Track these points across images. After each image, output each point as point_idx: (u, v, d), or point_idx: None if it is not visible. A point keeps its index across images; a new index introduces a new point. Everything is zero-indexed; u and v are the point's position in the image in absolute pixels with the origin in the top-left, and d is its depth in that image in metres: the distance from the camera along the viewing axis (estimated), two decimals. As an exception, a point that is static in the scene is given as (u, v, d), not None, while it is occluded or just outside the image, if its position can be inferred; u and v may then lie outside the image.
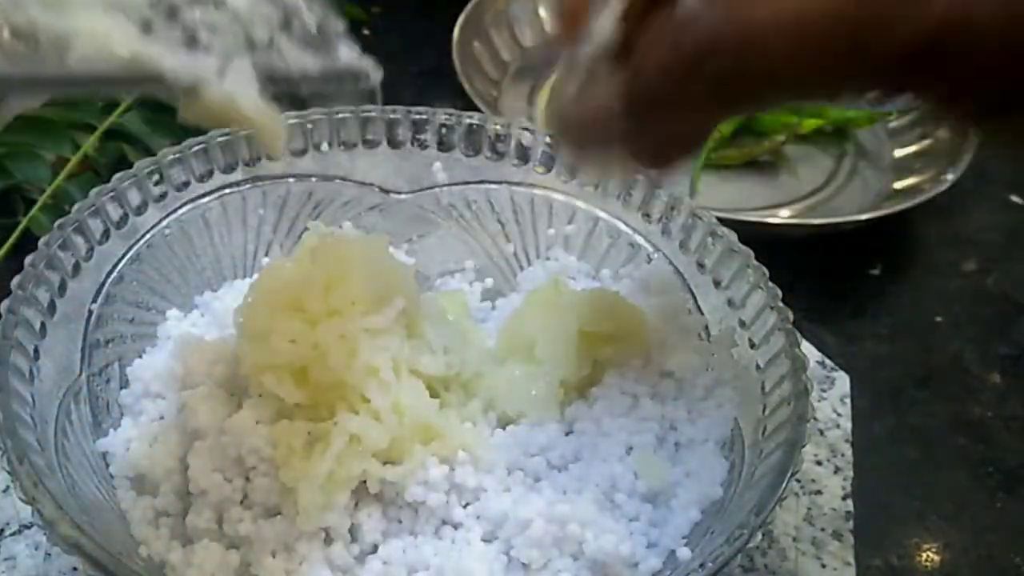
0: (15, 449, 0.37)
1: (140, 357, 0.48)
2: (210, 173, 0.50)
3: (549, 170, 0.52)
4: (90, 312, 0.45)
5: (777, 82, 0.31)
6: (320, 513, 0.41)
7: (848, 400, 0.57)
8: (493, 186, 0.53)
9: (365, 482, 0.42)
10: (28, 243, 0.55)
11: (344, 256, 0.44)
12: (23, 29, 0.29)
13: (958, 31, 0.28)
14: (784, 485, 0.38)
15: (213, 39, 0.34)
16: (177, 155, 0.49)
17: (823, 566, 0.49)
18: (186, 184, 0.49)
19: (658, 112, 0.33)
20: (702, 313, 0.48)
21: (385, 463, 0.42)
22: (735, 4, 0.29)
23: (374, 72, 0.38)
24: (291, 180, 0.52)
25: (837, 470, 0.53)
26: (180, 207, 0.49)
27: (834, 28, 0.29)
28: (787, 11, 0.29)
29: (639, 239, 0.51)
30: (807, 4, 0.29)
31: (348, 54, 0.37)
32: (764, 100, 0.34)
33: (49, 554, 0.46)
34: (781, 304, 0.44)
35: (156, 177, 0.48)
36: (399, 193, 0.53)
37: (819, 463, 0.54)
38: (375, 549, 0.42)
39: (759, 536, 0.37)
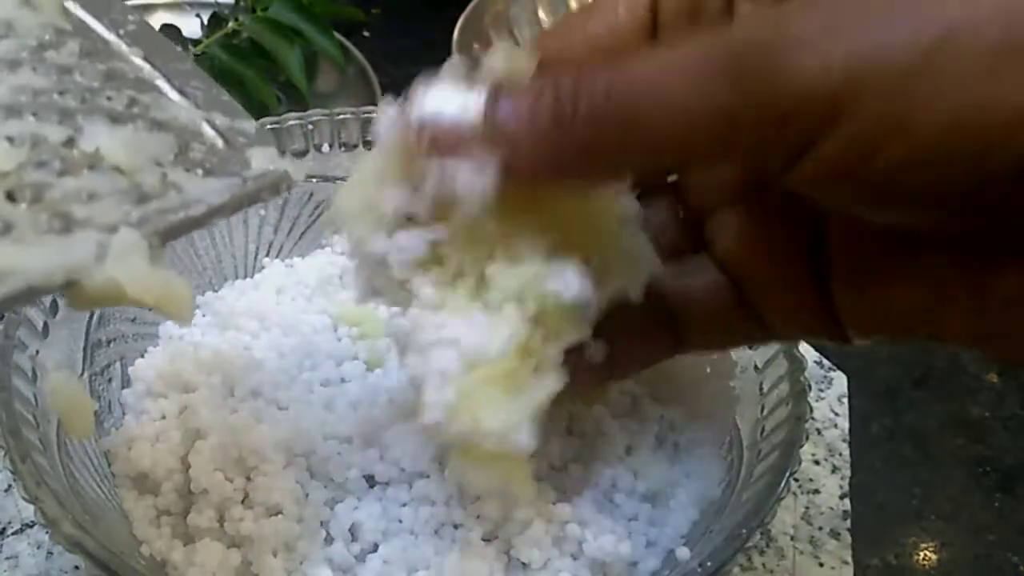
0: (18, 448, 0.37)
1: (142, 356, 0.48)
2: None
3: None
4: (92, 312, 0.46)
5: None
6: None
7: (846, 400, 0.58)
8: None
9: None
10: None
11: None
12: None
13: (895, 139, 0.23)
14: (782, 485, 0.38)
15: (92, 210, 0.29)
16: (178, 156, 0.49)
17: (821, 565, 0.49)
18: (187, 185, 0.49)
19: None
20: (701, 313, 0.49)
21: None
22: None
23: (291, 175, 0.33)
24: (291, 180, 0.52)
25: (835, 469, 0.54)
26: (181, 207, 0.49)
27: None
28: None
29: (638, 240, 0.51)
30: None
31: (261, 160, 0.33)
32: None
33: (51, 553, 0.47)
34: (779, 305, 0.44)
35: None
36: (399, 194, 0.53)
37: (817, 462, 0.54)
38: (375, 548, 0.43)
39: (757, 535, 0.37)
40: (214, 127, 0.33)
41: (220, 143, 0.33)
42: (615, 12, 0.32)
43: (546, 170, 0.28)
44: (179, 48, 0.35)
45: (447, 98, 0.29)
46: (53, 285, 0.28)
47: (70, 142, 0.31)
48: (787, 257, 0.32)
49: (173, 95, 0.34)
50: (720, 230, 0.34)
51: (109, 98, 0.32)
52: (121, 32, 0.35)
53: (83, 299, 0.29)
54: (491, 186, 0.28)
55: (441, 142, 0.29)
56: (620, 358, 0.35)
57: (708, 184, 0.35)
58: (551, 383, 0.32)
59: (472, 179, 0.28)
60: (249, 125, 0.34)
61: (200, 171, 0.32)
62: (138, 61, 0.34)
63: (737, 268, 0.34)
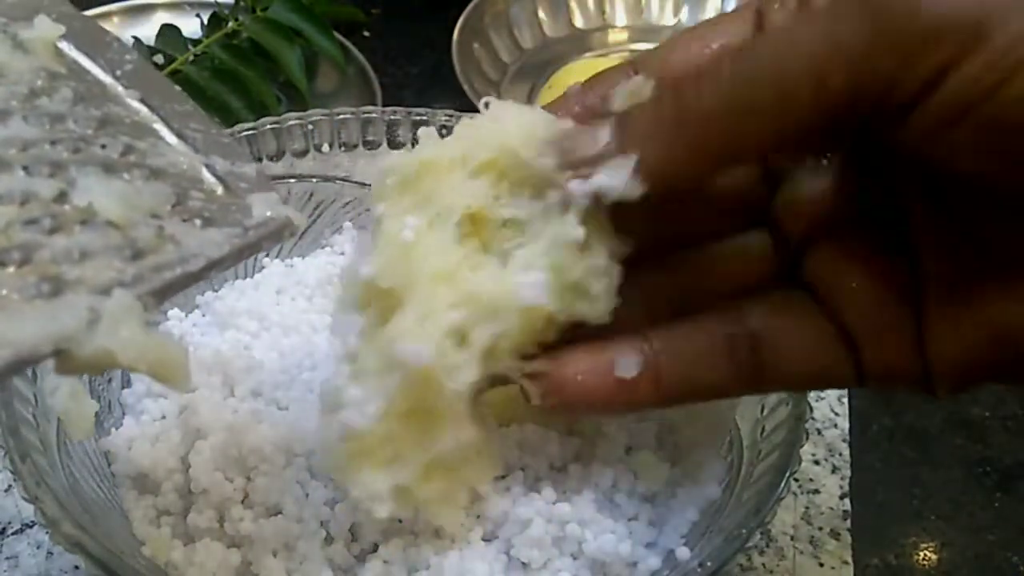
0: (17, 448, 0.37)
1: (141, 357, 0.48)
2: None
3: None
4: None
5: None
6: None
7: (846, 400, 0.58)
8: (493, 187, 0.53)
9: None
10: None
11: None
12: None
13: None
14: (782, 485, 0.38)
15: (83, 269, 0.28)
16: (178, 156, 0.49)
17: (821, 565, 0.49)
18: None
19: None
20: (701, 313, 0.49)
21: None
22: None
23: (294, 221, 0.32)
24: (292, 181, 0.52)
25: (835, 469, 0.54)
26: (181, 208, 0.49)
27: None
28: None
29: (638, 240, 0.51)
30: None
31: (262, 206, 0.31)
32: None
33: (51, 553, 0.47)
34: (779, 304, 0.44)
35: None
36: (399, 194, 0.53)
37: (817, 462, 0.54)
38: (375, 549, 0.43)
39: (757, 535, 0.37)
40: (214, 172, 0.32)
41: (220, 190, 0.31)
42: (728, 27, 0.33)
43: (676, 160, 0.29)
44: (178, 89, 0.34)
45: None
46: (41, 356, 0.26)
47: (62, 196, 0.29)
48: (889, 290, 0.31)
49: (171, 139, 0.32)
50: (823, 267, 0.33)
51: (104, 146, 0.31)
52: (118, 73, 0.33)
53: (72, 367, 0.27)
54: (631, 180, 0.30)
55: (579, 162, 0.31)
56: (677, 382, 0.34)
57: (803, 211, 0.34)
58: (447, 440, 0.36)
59: (613, 178, 0.30)
60: (250, 169, 0.32)
61: (199, 221, 0.30)
62: (135, 104, 0.33)
63: (839, 302, 0.32)
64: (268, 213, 0.31)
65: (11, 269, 0.27)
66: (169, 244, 0.29)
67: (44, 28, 0.32)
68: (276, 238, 0.31)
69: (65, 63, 0.32)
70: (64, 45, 0.33)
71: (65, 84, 0.32)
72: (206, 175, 0.31)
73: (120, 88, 0.33)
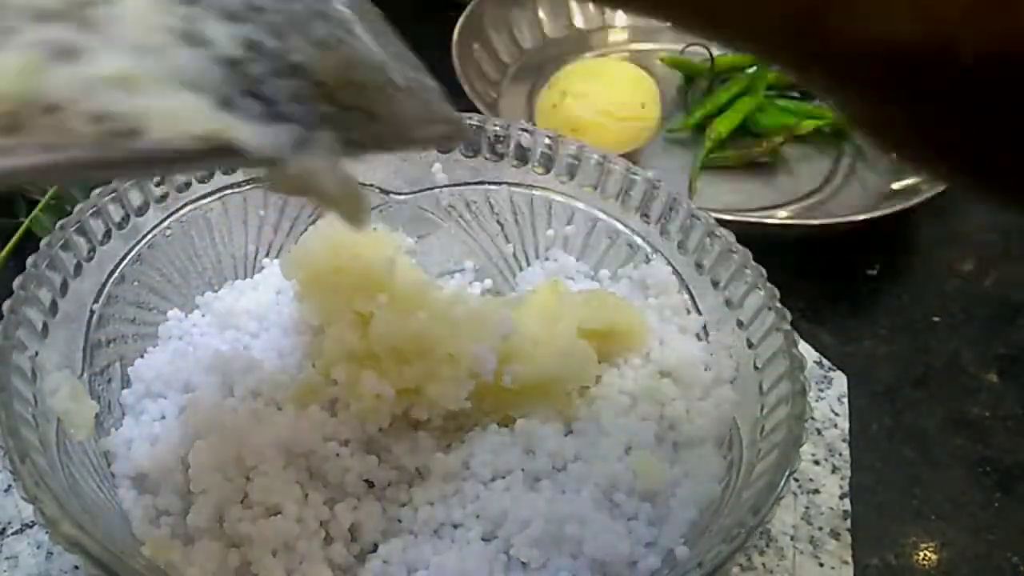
0: (17, 448, 0.37)
1: (141, 357, 0.48)
2: (211, 174, 0.50)
3: (548, 171, 0.52)
4: (92, 312, 0.46)
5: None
6: None
7: (846, 400, 0.58)
8: (492, 187, 0.53)
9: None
10: (30, 244, 0.55)
11: None
12: (96, 114, 0.27)
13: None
14: (782, 484, 0.38)
15: (297, 108, 0.31)
16: (178, 156, 0.49)
17: (821, 565, 0.49)
18: (187, 185, 0.49)
19: None
20: (700, 313, 0.49)
21: None
22: None
23: (466, 131, 0.35)
24: (291, 181, 0.52)
25: (835, 469, 0.54)
26: (181, 208, 0.49)
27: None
28: None
29: (637, 239, 0.51)
30: None
31: (443, 107, 0.35)
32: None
33: (51, 553, 0.47)
34: (779, 304, 0.44)
35: (157, 178, 0.48)
36: (399, 194, 0.53)
37: (817, 462, 0.54)
38: (375, 548, 0.43)
39: (757, 535, 0.37)
40: (404, 74, 0.35)
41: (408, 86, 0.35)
42: None
43: None
44: (381, 17, 0.38)
45: None
46: (257, 158, 0.29)
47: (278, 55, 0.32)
48: None
49: (371, 44, 0.35)
50: None
51: (315, 28, 0.33)
52: None
53: (280, 181, 0.31)
54: None
55: None
56: None
57: None
58: None
59: None
60: (431, 82, 0.36)
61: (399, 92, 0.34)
62: (346, 10, 0.35)
63: None
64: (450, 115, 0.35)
65: (238, 94, 0.30)
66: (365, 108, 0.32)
67: None
68: (459, 137, 0.37)
69: None
70: None
71: None
72: (396, 76, 0.34)
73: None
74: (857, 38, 0.25)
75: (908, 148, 0.29)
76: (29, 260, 0.43)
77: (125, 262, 0.47)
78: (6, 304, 0.41)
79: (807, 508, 0.52)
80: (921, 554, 0.52)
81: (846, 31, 0.25)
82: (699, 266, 0.48)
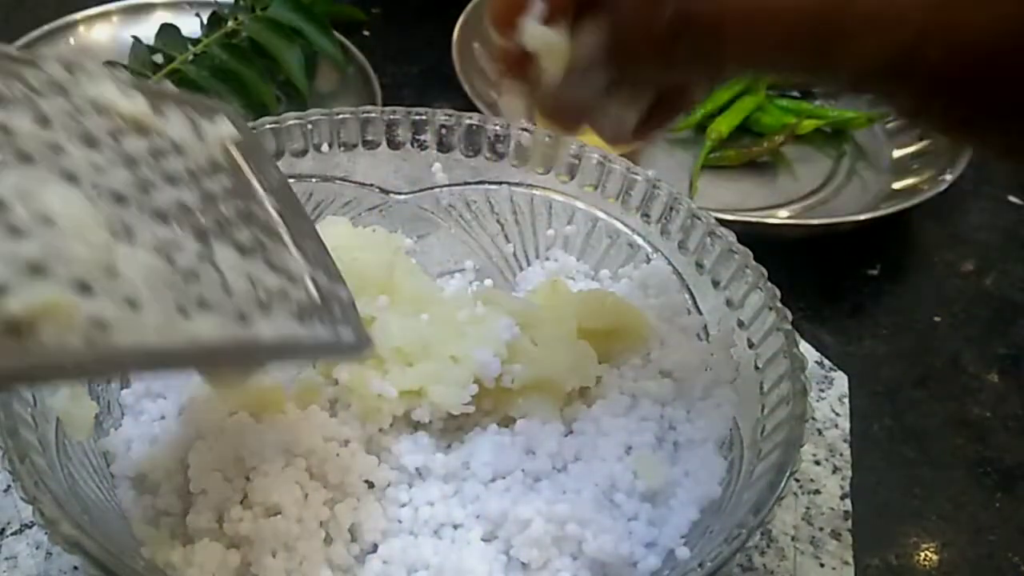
0: (16, 448, 0.37)
1: (141, 357, 0.48)
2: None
3: (548, 170, 0.52)
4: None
5: (748, 61, 0.32)
6: None
7: (846, 400, 0.57)
8: (493, 186, 0.53)
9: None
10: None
11: None
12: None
13: (938, 41, 0.28)
14: (783, 484, 0.38)
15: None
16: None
17: (821, 565, 0.49)
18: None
19: (641, 67, 0.34)
20: (701, 313, 0.49)
21: None
22: None
23: (367, 350, 0.38)
24: (291, 180, 0.52)
25: (835, 470, 0.54)
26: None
27: (796, 25, 0.30)
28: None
29: (638, 239, 0.51)
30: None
31: (345, 329, 0.36)
32: (739, 73, 0.36)
33: (50, 553, 0.47)
34: (780, 304, 0.44)
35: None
36: (399, 193, 0.53)
37: (817, 463, 0.54)
38: (375, 549, 0.43)
39: (758, 535, 0.37)
40: (316, 285, 0.36)
41: (318, 300, 0.36)
42: None
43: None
44: (307, 212, 0.41)
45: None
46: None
47: (201, 257, 0.33)
48: None
49: (292, 248, 0.37)
50: None
51: (238, 232, 0.35)
52: (265, 184, 0.39)
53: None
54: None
55: None
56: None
57: None
58: None
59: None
60: (345, 293, 0.37)
61: (293, 316, 0.34)
62: (272, 212, 0.38)
63: None
64: (352, 337, 0.36)
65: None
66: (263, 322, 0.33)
67: (223, 128, 0.38)
68: (346, 357, 0.39)
69: (228, 159, 0.38)
70: (232, 147, 0.38)
71: (224, 175, 0.37)
72: (309, 284, 0.36)
73: (263, 194, 0.38)
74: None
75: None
76: (28, 260, 0.43)
77: (125, 262, 0.47)
78: (5, 304, 0.41)
79: (808, 508, 0.51)
80: (922, 554, 0.52)
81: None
82: (699, 266, 0.48)
